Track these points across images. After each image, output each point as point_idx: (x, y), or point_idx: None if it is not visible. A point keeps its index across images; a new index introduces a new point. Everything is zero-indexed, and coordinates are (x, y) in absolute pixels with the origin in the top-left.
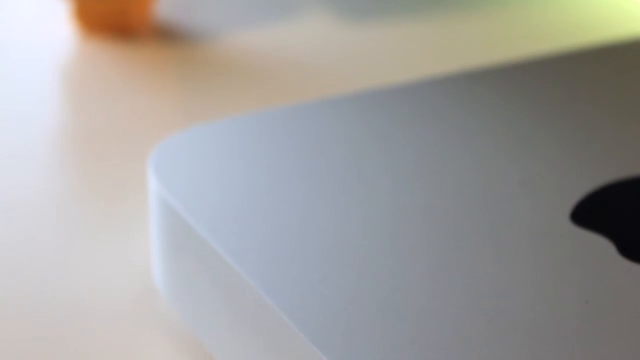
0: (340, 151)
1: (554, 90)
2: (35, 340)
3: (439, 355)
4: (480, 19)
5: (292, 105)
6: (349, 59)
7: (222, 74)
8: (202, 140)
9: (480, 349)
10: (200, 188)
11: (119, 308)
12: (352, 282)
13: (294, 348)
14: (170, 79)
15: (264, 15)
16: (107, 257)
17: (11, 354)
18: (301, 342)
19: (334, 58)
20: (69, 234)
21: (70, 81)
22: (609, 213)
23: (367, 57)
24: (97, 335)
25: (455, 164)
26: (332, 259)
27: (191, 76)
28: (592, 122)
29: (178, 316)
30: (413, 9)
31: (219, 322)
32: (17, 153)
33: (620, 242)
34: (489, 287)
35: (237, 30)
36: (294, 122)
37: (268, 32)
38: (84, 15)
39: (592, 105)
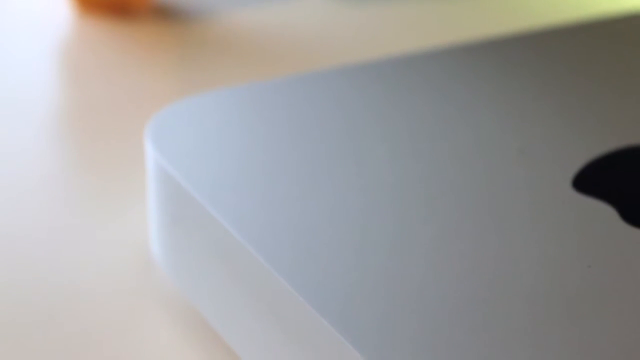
0: (338, 120)
1: (553, 61)
2: (33, 314)
3: (439, 320)
4: None
5: (289, 76)
6: (346, 37)
7: (221, 53)
8: (199, 110)
9: (481, 313)
10: (197, 156)
11: (118, 280)
12: (351, 247)
13: (294, 314)
14: (168, 57)
15: None
16: (105, 230)
17: (12, 326)
18: (302, 308)
19: (332, 36)
20: (67, 206)
21: (69, 60)
22: (611, 180)
23: (365, 35)
24: (96, 308)
25: (455, 133)
26: (332, 224)
27: (189, 54)
28: (592, 92)
29: (176, 286)
30: None
31: (217, 290)
32: (15, 128)
33: (622, 208)
34: (491, 253)
35: (236, 9)
36: (290, 92)
37: (266, 11)
38: None
39: (592, 76)
